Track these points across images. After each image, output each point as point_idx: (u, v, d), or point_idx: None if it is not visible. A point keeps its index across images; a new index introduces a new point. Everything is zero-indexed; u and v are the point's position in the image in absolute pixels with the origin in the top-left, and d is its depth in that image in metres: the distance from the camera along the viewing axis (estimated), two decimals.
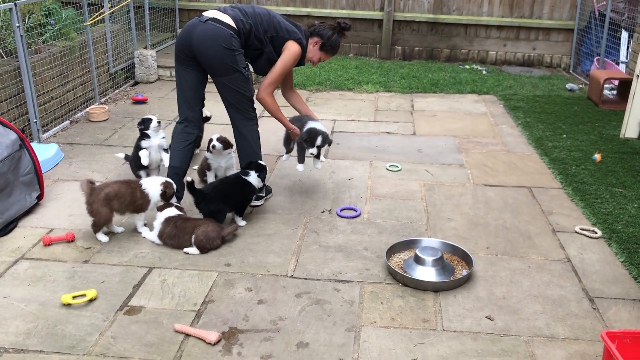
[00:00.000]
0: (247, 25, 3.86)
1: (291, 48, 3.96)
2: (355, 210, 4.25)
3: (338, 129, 6.01)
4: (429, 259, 3.46)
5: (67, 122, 5.94)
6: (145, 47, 7.87)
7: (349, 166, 5.06)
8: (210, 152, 4.40)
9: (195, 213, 3.95)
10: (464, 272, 3.49)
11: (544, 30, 8.86)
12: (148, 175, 4.52)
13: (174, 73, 7.59)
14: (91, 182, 3.73)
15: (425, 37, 9.09)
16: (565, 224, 4.12)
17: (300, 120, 4.25)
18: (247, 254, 3.67)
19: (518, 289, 3.37)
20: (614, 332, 2.64)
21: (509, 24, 8.86)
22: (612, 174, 4.90)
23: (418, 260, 3.48)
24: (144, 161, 4.38)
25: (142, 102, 6.73)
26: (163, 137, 4.51)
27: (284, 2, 9.07)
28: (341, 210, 4.24)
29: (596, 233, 3.97)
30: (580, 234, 3.98)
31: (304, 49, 4.04)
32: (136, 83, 7.57)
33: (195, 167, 4.76)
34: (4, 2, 4.95)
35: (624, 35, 7.59)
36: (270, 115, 4.14)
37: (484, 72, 8.49)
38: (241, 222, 4.00)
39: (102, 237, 3.75)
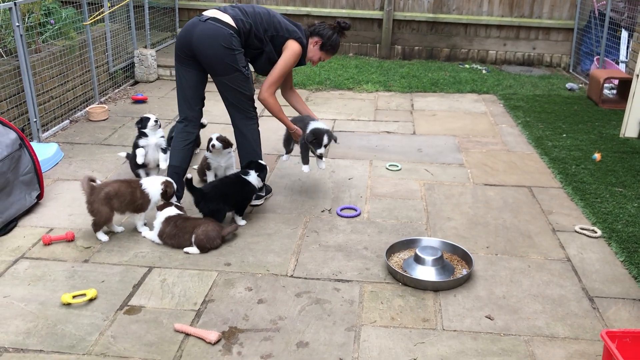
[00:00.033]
0: (247, 24, 3.86)
1: (292, 47, 3.96)
2: (355, 210, 4.25)
3: (338, 128, 6.00)
4: (428, 258, 3.46)
5: (67, 121, 5.94)
6: (145, 47, 7.87)
7: (348, 166, 5.06)
8: (210, 151, 4.40)
9: (195, 212, 3.95)
10: (464, 272, 3.49)
11: (543, 29, 8.86)
12: (147, 174, 4.53)
13: (173, 72, 7.60)
14: (91, 180, 3.72)
15: (425, 37, 9.09)
16: (565, 224, 4.12)
17: (302, 120, 4.24)
18: (247, 254, 3.67)
19: (518, 288, 3.38)
20: (614, 331, 2.64)
21: (508, 23, 8.86)
22: (612, 174, 4.90)
23: (418, 260, 3.48)
24: (139, 159, 4.41)
25: (142, 101, 6.73)
26: (161, 137, 4.52)
27: (283, 1, 9.07)
28: (341, 209, 4.24)
29: (596, 232, 3.97)
30: (580, 233, 3.99)
31: (304, 48, 4.04)
32: (136, 82, 7.57)
33: (195, 166, 4.76)
34: (3, 2, 4.95)
35: (624, 34, 7.59)
36: (271, 115, 4.13)
37: (483, 71, 8.49)
38: (241, 222, 4.00)
39: (102, 237, 3.75)
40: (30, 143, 4.24)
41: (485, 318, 3.10)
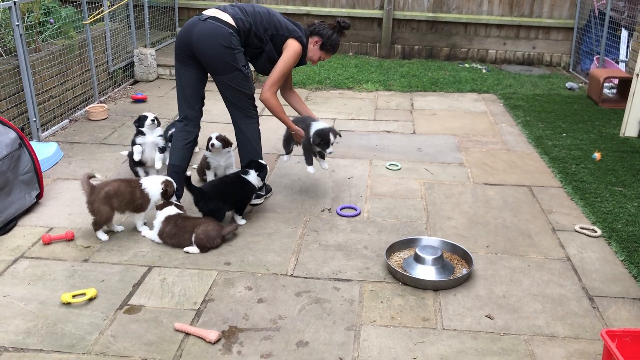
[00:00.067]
0: (247, 23, 3.86)
1: (292, 46, 3.96)
2: (355, 209, 4.25)
3: (338, 127, 5.99)
4: (428, 257, 3.46)
5: (67, 120, 5.94)
6: (145, 46, 7.87)
7: (348, 165, 5.06)
8: (210, 150, 4.40)
9: (195, 212, 3.95)
10: (464, 271, 3.49)
11: (543, 29, 8.86)
12: (146, 173, 4.54)
13: (173, 72, 7.55)
14: (91, 177, 3.72)
15: (425, 36, 9.09)
16: (565, 223, 4.12)
17: (304, 121, 4.23)
18: (247, 253, 3.67)
19: (518, 287, 3.38)
20: (614, 330, 2.64)
21: (508, 22, 8.86)
22: (612, 173, 4.90)
23: (418, 259, 3.48)
24: (136, 156, 4.45)
25: (142, 100, 6.73)
26: (159, 135, 4.53)
27: (283, 0, 9.07)
28: (341, 209, 4.24)
29: (596, 232, 3.97)
30: (580, 232, 3.99)
31: (304, 47, 4.03)
32: (136, 82, 7.57)
33: (195, 165, 4.76)
34: (3, 1, 4.95)
35: (624, 33, 7.59)
36: (271, 114, 4.13)
37: (483, 70, 8.49)
38: (241, 221, 4.00)
39: (102, 236, 3.75)
40: (30, 142, 4.24)
41: (485, 317, 3.10)
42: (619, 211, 4.25)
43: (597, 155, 5.19)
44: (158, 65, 7.73)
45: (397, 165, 5.04)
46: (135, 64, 7.52)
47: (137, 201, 3.77)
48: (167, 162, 4.64)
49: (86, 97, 6.41)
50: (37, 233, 3.83)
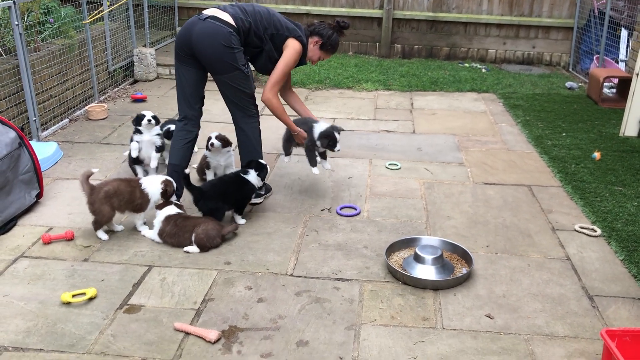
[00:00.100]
0: (247, 23, 3.86)
1: (292, 46, 3.96)
2: (355, 209, 4.25)
3: None
4: (428, 257, 3.46)
5: (66, 120, 5.94)
6: (145, 45, 7.87)
7: (348, 164, 5.06)
8: (209, 150, 4.40)
9: (195, 211, 3.95)
10: (464, 271, 3.49)
11: (543, 28, 8.86)
12: (146, 172, 4.56)
13: (173, 71, 7.56)
14: (89, 175, 3.71)
15: (425, 35, 9.08)
16: (564, 223, 4.12)
17: (305, 123, 4.22)
18: (247, 253, 3.67)
19: (518, 287, 3.38)
20: (614, 330, 2.64)
21: (508, 22, 8.86)
22: (612, 173, 4.90)
23: (418, 259, 3.48)
24: (133, 153, 4.50)
25: (142, 100, 6.73)
26: (157, 134, 4.54)
27: (283, 0, 9.05)
28: (341, 208, 4.24)
29: (596, 231, 3.97)
30: (580, 232, 3.99)
31: (304, 46, 4.03)
32: (135, 81, 7.56)
33: (195, 165, 4.76)
34: (2, 0, 4.94)
35: (624, 33, 7.59)
36: (272, 114, 4.11)
37: (483, 70, 8.49)
38: (241, 221, 4.00)
39: (103, 235, 3.75)
40: (30, 142, 4.23)
41: (485, 317, 3.10)
42: (619, 211, 4.25)
43: (596, 154, 5.19)
44: (158, 65, 7.72)
45: (397, 165, 5.04)
46: (134, 63, 7.52)
47: (136, 201, 3.77)
48: (165, 162, 4.67)
49: (86, 96, 6.41)
50: (37, 232, 3.83)
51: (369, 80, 7.70)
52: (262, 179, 4.04)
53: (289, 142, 4.35)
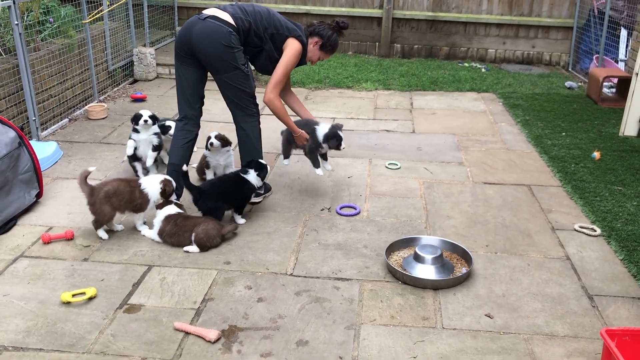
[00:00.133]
0: (247, 22, 3.86)
1: (293, 45, 3.96)
2: (355, 208, 4.25)
3: None
4: (428, 256, 3.46)
5: (66, 120, 5.94)
6: (144, 45, 7.86)
7: (348, 164, 5.06)
8: (209, 149, 4.40)
9: (195, 211, 3.95)
10: (464, 270, 3.49)
11: (543, 28, 8.86)
12: (144, 168, 4.58)
13: (172, 71, 7.59)
14: (87, 175, 3.70)
15: (425, 35, 9.08)
16: (564, 222, 4.12)
17: (307, 125, 4.21)
18: (247, 252, 3.67)
19: (517, 286, 3.38)
20: (613, 329, 2.64)
21: (508, 22, 8.86)
22: (611, 172, 4.91)
23: (417, 258, 3.48)
24: (128, 151, 4.54)
25: (141, 99, 6.73)
26: (155, 133, 4.56)
27: (282, 0, 9.06)
28: (340, 208, 4.24)
29: (595, 231, 3.98)
30: (580, 231, 3.99)
31: (304, 46, 4.03)
32: (135, 81, 7.56)
33: (195, 165, 4.76)
34: (2, 0, 4.94)
35: (623, 33, 7.59)
36: (272, 114, 4.10)
37: (483, 70, 8.49)
38: (240, 220, 4.00)
39: (103, 234, 3.75)
40: (30, 141, 4.23)
41: (484, 316, 3.11)
42: (619, 210, 4.26)
43: (596, 154, 5.19)
44: (157, 65, 7.72)
45: (397, 165, 5.04)
46: (134, 63, 7.52)
47: (136, 201, 3.76)
48: (164, 161, 4.69)
49: (85, 96, 6.41)
50: (36, 232, 3.83)
51: (369, 80, 7.70)
52: (262, 179, 4.04)
53: (289, 144, 4.34)
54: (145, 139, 4.54)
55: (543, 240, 3.88)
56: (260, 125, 4.21)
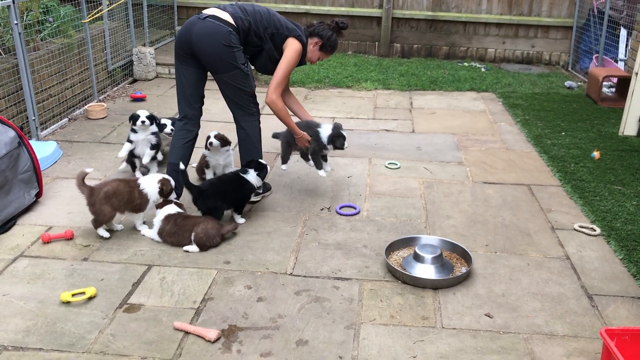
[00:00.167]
0: (246, 22, 3.86)
1: (293, 45, 3.96)
2: (355, 208, 4.25)
3: None
4: (428, 256, 3.46)
5: (66, 119, 5.94)
6: (144, 45, 7.86)
7: (348, 164, 5.06)
8: (208, 149, 4.40)
9: (195, 210, 3.95)
10: (463, 270, 3.49)
11: (542, 27, 8.86)
12: (146, 167, 4.59)
13: (172, 70, 7.60)
14: (84, 176, 3.69)
15: (424, 35, 9.08)
16: (564, 222, 4.12)
17: (309, 127, 4.22)
18: (247, 252, 3.67)
19: (517, 286, 3.38)
20: (613, 329, 2.64)
21: (507, 21, 8.86)
22: (611, 172, 4.91)
23: (417, 258, 3.48)
24: (121, 153, 4.57)
25: (141, 99, 6.72)
26: (152, 133, 4.56)
27: None
28: (340, 207, 4.24)
29: (595, 230, 3.98)
30: (579, 231, 3.99)
31: (304, 46, 4.04)
32: (134, 80, 7.56)
33: (194, 164, 4.76)
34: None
35: (623, 32, 7.59)
36: (276, 117, 4.08)
37: (482, 69, 8.49)
38: (240, 220, 4.00)
39: (104, 233, 3.74)
40: (29, 141, 4.23)
41: (484, 316, 3.11)
42: (618, 210, 4.26)
43: (596, 154, 5.20)
44: (157, 64, 7.72)
45: (397, 164, 5.04)
46: (134, 62, 7.51)
47: (135, 201, 3.76)
48: (159, 158, 4.70)
49: (85, 95, 6.41)
50: (36, 232, 3.83)
51: (368, 80, 7.70)
52: (262, 179, 4.04)
53: (290, 146, 4.33)
54: (143, 139, 4.56)
55: (543, 240, 3.88)
56: (261, 125, 4.20)
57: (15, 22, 4.93)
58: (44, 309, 3.07)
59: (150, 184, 3.81)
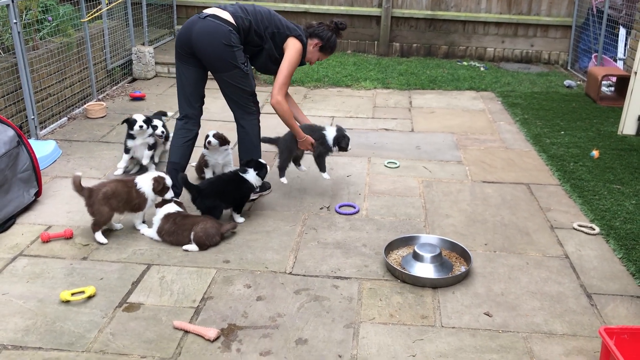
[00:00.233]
0: (247, 21, 3.86)
1: (294, 45, 3.96)
2: (354, 207, 4.25)
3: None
4: (427, 255, 3.46)
5: (65, 118, 5.93)
6: (143, 44, 7.85)
7: (347, 163, 5.06)
8: (207, 148, 4.40)
9: (195, 209, 3.95)
10: (463, 269, 3.50)
11: (542, 27, 8.87)
12: (143, 167, 4.60)
13: (171, 70, 7.60)
14: (79, 180, 3.67)
15: (424, 34, 9.08)
16: (563, 221, 4.13)
17: (313, 130, 4.21)
18: (246, 251, 3.67)
19: (516, 285, 3.38)
20: (612, 328, 2.65)
21: (507, 20, 8.86)
22: (610, 171, 4.91)
23: (416, 257, 3.49)
24: (120, 164, 4.63)
25: (140, 98, 6.72)
26: (150, 135, 4.57)
27: None
28: (340, 206, 4.24)
29: (594, 229, 3.98)
30: (578, 230, 3.99)
31: (304, 46, 4.04)
32: (134, 80, 7.55)
33: (194, 163, 4.76)
34: None
35: (622, 31, 7.59)
36: (280, 119, 4.04)
37: (482, 68, 8.50)
38: (239, 219, 4.00)
39: (101, 239, 3.71)
40: (28, 140, 4.23)
41: (483, 315, 3.11)
42: (617, 209, 4.26)
43: (595, 153, 5.20)
44: (156, 63, 7.72)
45: (396, 163, 5.05)
46: (133, 61, 7.51)
47: (134, 201, 3.76)
48: (156, 159, 4.71)
49: (84, 95, 6.40)
50: (35, 231, 3.83)
51: (368, 79, 7.70)
52: (262, 178, 4.04)
53: (291, 152, 4.28)
54: (141, 144, 4.57)
55: (542, 239, 3.89)
56: (260, 124, 4.21)
57: (15, 21, 4.93)
58: (43, 308, 3.08)
59: (146, 182, 3.80)
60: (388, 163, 5.05)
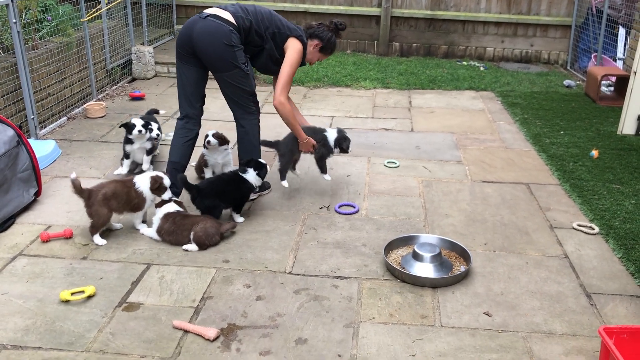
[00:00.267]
0: (247, 21, 3.87)
1: (295, 45, 3.96)
2: (354, 207, 4.25)
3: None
4: (427, 255, 3.46)
5: (65, 118, 5.93)
6: (143, 44, 7.85)
7: (347, 162, 5.06)
8: (206, 148, 4.40)
9: (193, 209, 3.95)
10: (462, 268, 3.50)
11: (541, 26, 8.87)
12: (140, 170, 4.61)
13: (171, 69, 7.60)
14: (77, 182, 3.66)
15: (423, 34, 9.08)
16: (562, 220, 4.13)
17: (315, 132, 4.22)
18: (246, 251, 3.67)
19: (516, 285, 3.38)
20: (612, 327, 2.65)
21: (506, 20, 8.86)
22: (610, 171, 4.91)
23: (416, 257, 3.49)
24: (122, 170, 4.63)
25: (140, 98, 6.72)
26: (148, 139, 4.57)
27: None
28: (339, 206, 4.25)
29: (593, 229, 3.98)
30: (578, 230, 4.00)
31: (305, 46, 4.04)
32: (133, 79, 7.55)
33: (193, 163, 4.76)
34: None
35: (621, 31, 7.60)
36: (282, 120, 4.04)
37: (481, 68, 8.50)
38: (239, 219, 4.00)
39: (99, 241, 3.70)
40: (28, 140, 4.23)
41: (483, 314, 3.11)
42: (617, 209, 4.26)
43: (594, 152, 5.20)
44: (156, 63, 7.71)
45: (395, 163, 5.05)
46: (133, 61, 7.51)
47: (133, 201, 3.76)
48: (156, 159, 4.72)
49: (84, 94, 6.40)
50: (35, 231, 3.83)
51: (367, 79, 7.70)
52: (262, 178, 4.04)
53: (293, 154, 4.27)
54: (140, 148, 4.58)
55: (541, 239, 3.89)
56: (260, 124, 4.21)
57: (14, 20, 4.92)
58: (43, 308, 3.08)
59: (145, 182, 3.79)
60: (388, 163, 5.05)
